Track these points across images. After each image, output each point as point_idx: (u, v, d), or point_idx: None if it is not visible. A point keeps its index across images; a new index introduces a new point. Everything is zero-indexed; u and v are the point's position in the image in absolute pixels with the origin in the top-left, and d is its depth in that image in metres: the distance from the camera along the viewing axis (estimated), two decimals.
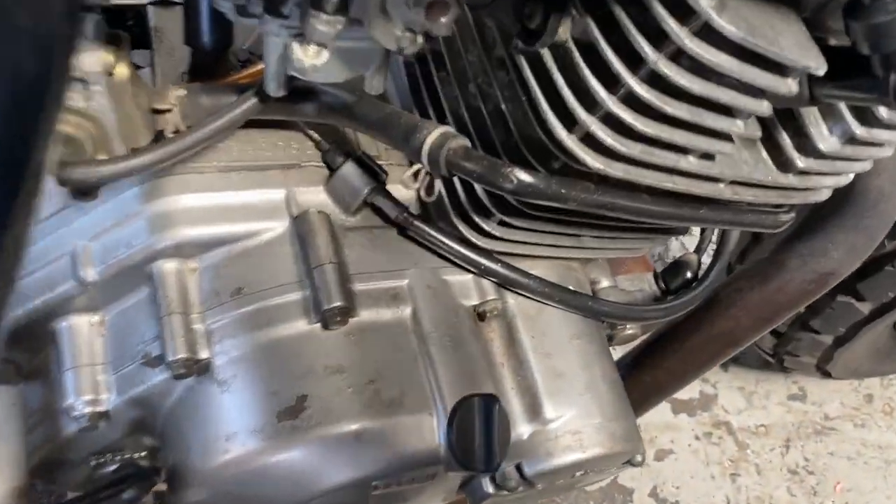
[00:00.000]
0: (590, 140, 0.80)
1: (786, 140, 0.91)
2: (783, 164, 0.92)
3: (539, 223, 0.98)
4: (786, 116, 0.92)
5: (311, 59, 0.75)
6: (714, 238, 1.45)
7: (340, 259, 0.95)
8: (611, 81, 0.75)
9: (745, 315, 1.37)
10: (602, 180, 0.85)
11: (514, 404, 1.01)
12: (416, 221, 1.00)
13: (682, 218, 0.92)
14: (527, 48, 0.83)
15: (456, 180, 0.97)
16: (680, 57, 0.72)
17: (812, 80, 0.80)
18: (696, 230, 1.41)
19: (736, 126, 0.80)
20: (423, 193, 0.94)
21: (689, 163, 0.84)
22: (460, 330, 1.00)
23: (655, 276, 1.35)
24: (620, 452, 1.07)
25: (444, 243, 1.00)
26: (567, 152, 0.82)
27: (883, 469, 2.58)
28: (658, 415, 2.48)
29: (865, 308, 1.84)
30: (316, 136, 1.03)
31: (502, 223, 0.98)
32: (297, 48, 0.75)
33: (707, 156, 0.85)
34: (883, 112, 0.87)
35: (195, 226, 0.95)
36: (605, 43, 0.74)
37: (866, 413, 2.70)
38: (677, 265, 1.34)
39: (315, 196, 1.00)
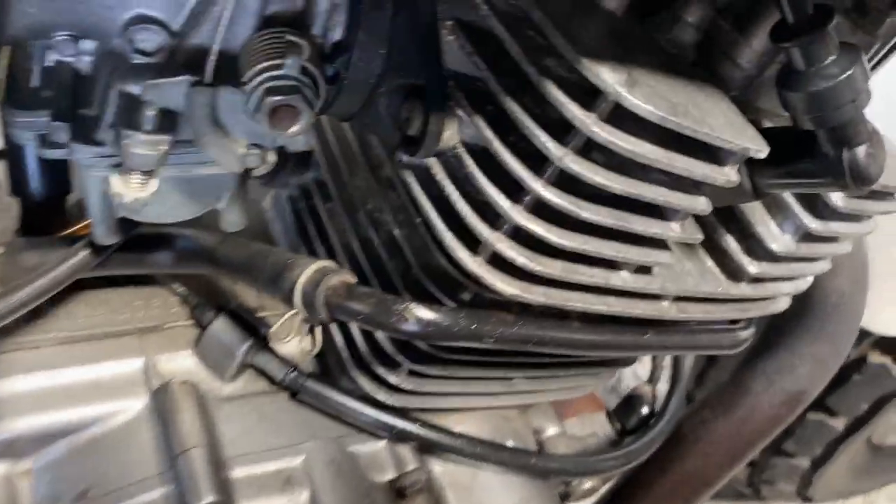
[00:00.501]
0: (499, 261, 0.64)
1: (732, 244, 0.77)
2: (733, 272, 0.79)
3: (458, 368, 0.80)
4: (728, 217, 0.79)
5: (135, 192, 0.59)
6: (667, 363, 1.30)
7: (213, 440, 0.76)
8: (513, 189, 0.61)
9: (714, 450, 1.20)
10: (523, 309, 0.70)
11: None
12: (308, 382, 0.82)
13: (623, 347, 0.76)
14: (411, 161, 0.69)
15: (353, 325, 0.81)
16: (591, 150, 0.58)
17: (753, 168, 0.68)
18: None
19: (671, 230, 0.66)
20: (303, 346, 0.76)
21: (623, 279, 0.69)
22: None
23: (608, 415, 1.18)
24: None
25: (345, 406, 0.82)
26: (474, 279, 0.66)
27: None
28: None
29: (839, 424, 1.69)
30: (182, 290, 0.85)
31: (413, 373, 0.80)
32: (115, 180, 0.59)
33: (643, 269, 0.71)
34: (837, 199, 0.74)
35: (26, 416, 0.76)
36: (501, 143, 0.60)
37: None
38: (631, 400, 1.17)
39: (181, 362, 0.82)
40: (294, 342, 0.80)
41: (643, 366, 1.51)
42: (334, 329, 0.84)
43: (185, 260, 0.78)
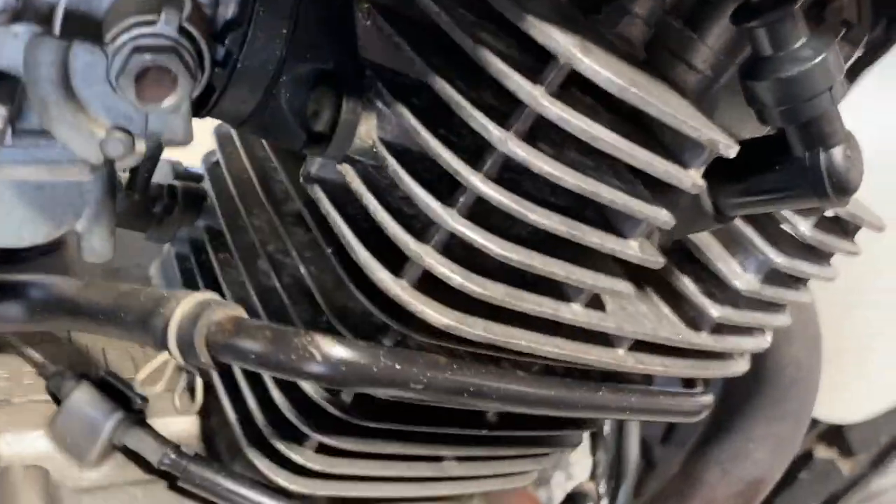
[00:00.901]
0: (429, 284, 0.52)
1: (689, 286, 0.68)
2: (692, 319, 0.69)
3: (377, 442, 0.66)
4: (683, 257, 0.70)
5: None
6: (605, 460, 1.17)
7: None
8: (446, 190, 0.50)
9: None
10: (455, 354, 0.58)
11: None
12: (192, 466, 0.66)
13: (575, 405, 0.64)
14: (322, 174, 0.58)
15: (245, 387, 0.66)
16: (538, 136, 0.49)
17: (714, 188, 0.59)
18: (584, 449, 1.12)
19: (629, 248, 0.55)
20: (176, 403, 0.61)
21: (574, 312, 0.57)
22: None
23: None
24: None
25: (237, 495, 0.66)
26: (399, 310, 0.54)
27: None
28: None
29: None
30: (36, 355, 0.70)
31: (322, 449, 0.66)
32: None
33: (596, 303, 0.60)
34: (804, 228, 0.66)
35: None
36: (429, 132, 0.50)
37: None
38: (574, 498, 1.03)
39: (30, 445, 0.65)
40: (168, 403, 0.64)
41: (581, 466, 1.39)
42: (226, 402, 0.69)
43: (38, 313, 0.63)
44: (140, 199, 0.73)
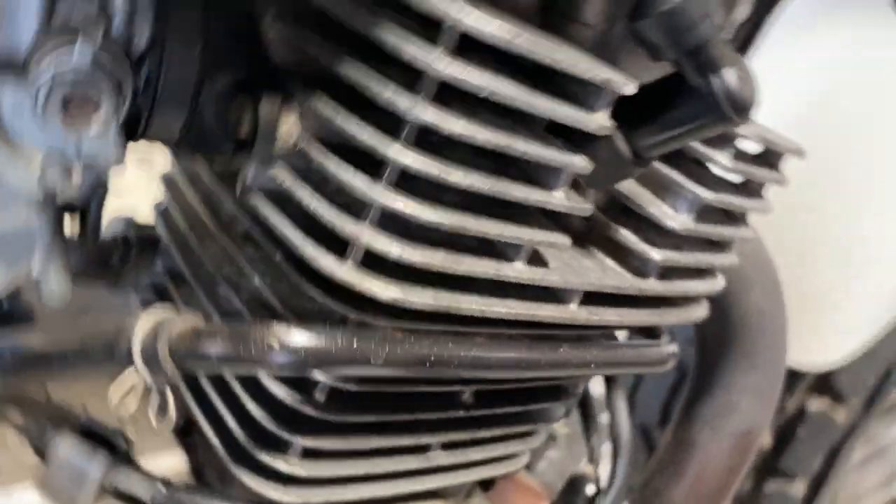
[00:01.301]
0: (372, 261, 0.55)
1: (628, 236, 0.71)
2: (637, 267, 0.72)
3: (359, 437, 0.68)
4: (617, 212, 0.73)
5: None
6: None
7: None
8: (370, 167, 0.53)
9: None
10: (412, 331, 0.60)
11: None
12: (183, 497, 0.67)
13: (537, 364, 0.66)
14: (259, 182, 0.61)
15: (222, 407, 0.68)
16: (447, 99, 0.52)
17: (629, 136, 0.63)
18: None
19: (554, 198, 0.59)
20: (154, 418, 0.62)
21: (517, 270, 0.60)
22: None
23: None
24: None
25: None
26: (349, 294, 0.56)
27: None
28: None
29: (800, 489, 1.58)
30: (16, 416, 0.71)
31: (308, 453, 0.67)
32: None
33: (538, 259, 0.63)
34: (725, 160, 0.70)
35: None
36: (346, 113, 0.53)
37: None
38: (574, 483, 1.05)
39: (19, 500, 0.66)
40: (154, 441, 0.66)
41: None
42: (206, 426, 0.71)
43: (10, 374, 0.65)
44: (94, 250, 0.75)
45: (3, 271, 0.56)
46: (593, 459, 1.10)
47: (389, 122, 0.53)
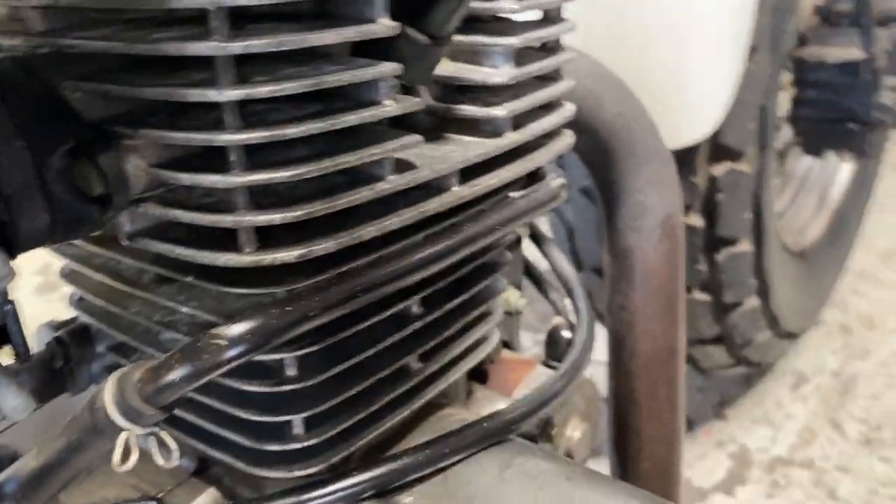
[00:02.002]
0: (266, 239, 0.61)
1: (468, 108, 0.78)
2: (490, 130, 0.78)
3: (345, 385, 0.74)
4: (446, 96, 0.79)
5: None
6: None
7: None
8: (218, 163, 0.59)
9: (650, 319, 1.18)
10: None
11: None
12: None
13: (451, 250, 0.73)
14: (134, 229, 0.65)
15: (217, 430, 0.73)
16: (245, 70, 0.57)
17: (418, 24, 0.69)
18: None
19: (386, 107, 0.65)
20: (159, 461, 0.67)
21: (391, 181, 0.67)
22: None
23: (544, 364, 1.14)
24: None
25: None
26: (263, 276, 0.62)
27: None
28: None
29: (746, 246, 1.71)
30: None
31: (310, 423, 0.73)
32: None
33: (404, 165, 0.69)
34: (508, 4, 0.77)
35: None
36: (169, 131, 0.58)
37: None
38: (552, 336, 1.14)
39: None
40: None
41: None
42: (217, 454, 0.76)
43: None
44: (36, 365, 0.79)
45: None
46: (558, 311, 1.19)
47: (211, 118, 0.58)
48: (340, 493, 0.74)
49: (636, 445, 1.25)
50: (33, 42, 0.62)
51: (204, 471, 0.84)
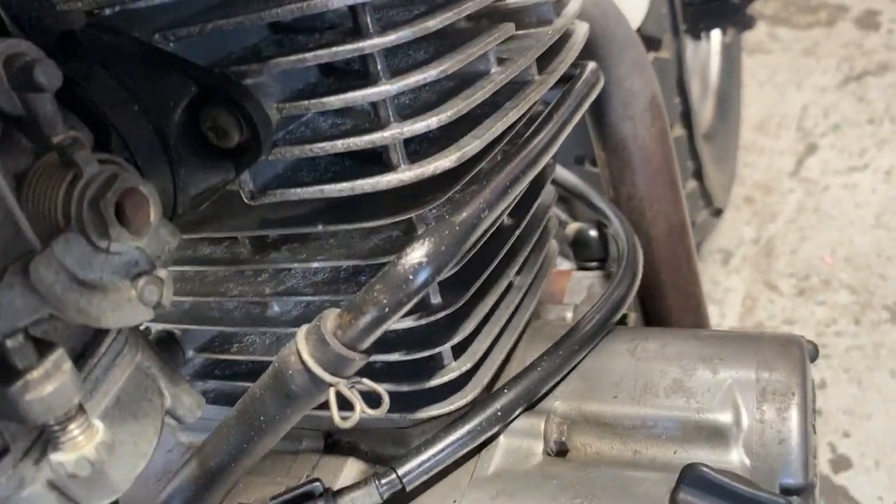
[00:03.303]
0: (411, 144, 0.57)
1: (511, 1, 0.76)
2: (530, 20, 0.77)
3: (476, 303, 0.71)
4: None
5: (84, 447, 0.44)
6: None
7: None
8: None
9: (657, 200, 1.21)
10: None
11: None
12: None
13: (555, 135, 0.72)
14: (264, 181, 0.59)
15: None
16: None
17: None
18: None
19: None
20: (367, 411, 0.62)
21: (498, 72, 0.64)
22: None
23: (579, 268, 1.15)
24: None
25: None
26: (409, 199, 0.58)
27: None
28: None
29: (679, 132, 1.79)
30: None
31: (457, 349, 0.70)
32: (56, 457, 0.44)
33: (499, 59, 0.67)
34: None
35: None
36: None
37: None
38: (578, 239, 1.15)
39: None
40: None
41: None
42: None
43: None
44: None
45: (148, 419, 0.52)
46: (574, 218, 1.20)
47: (338, 32, 0.53)
48: (497, 416, 0.72)
49: (667, 322, 1.28)
50: (98, 2, 0.55)
51: (334, 447, 0.79)
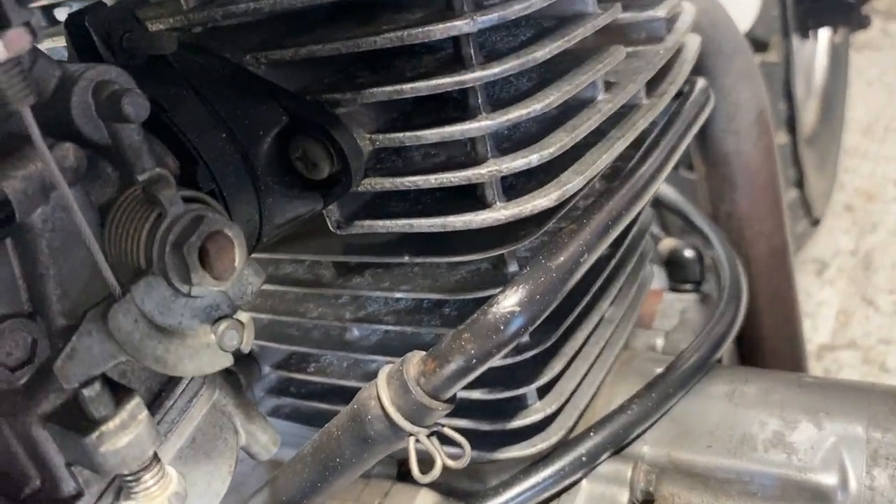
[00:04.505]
0: (507, 187, 0.53)
1: (623, 16, 0.71)
2: (638, 36, 0.72)
3: (564, 344, 0.67)
4: None
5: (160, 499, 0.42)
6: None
7: None
8: (460, 108, 0.50)
9: (758, 221, 1.14)
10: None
11: None
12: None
13: (663, 163, 0.66)
14: (349, 211, 0.57)
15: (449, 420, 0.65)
16: None
17: None
18: None
19: (598, 17, 0.57)
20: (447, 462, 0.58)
21: (605, 100, 0.59)
22: None
23: (672, 290, 1.09)
24: None
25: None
26: (497, 235, 0.54)
27: None
28: None
29: (782, 138, 1.69)
30: None
31: (542, 390, 0.66)
32: None
33: (606, 83, 0.62)
34: None
35: None
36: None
37: None
38: (672, 260, 1.09)
39: None
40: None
41: None
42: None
43: None
44: None
45: (223, 456, 0.51)
46: (668, 232, 1.15)
47: (436, 62, 0.50)
48: (582, 460, 0.68)
49: (761, 350, 1.21)
50: (190, 20, 0.52)
51: (407, 475, 0.76)
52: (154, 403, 0.45)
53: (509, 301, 0.51)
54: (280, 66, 0.52)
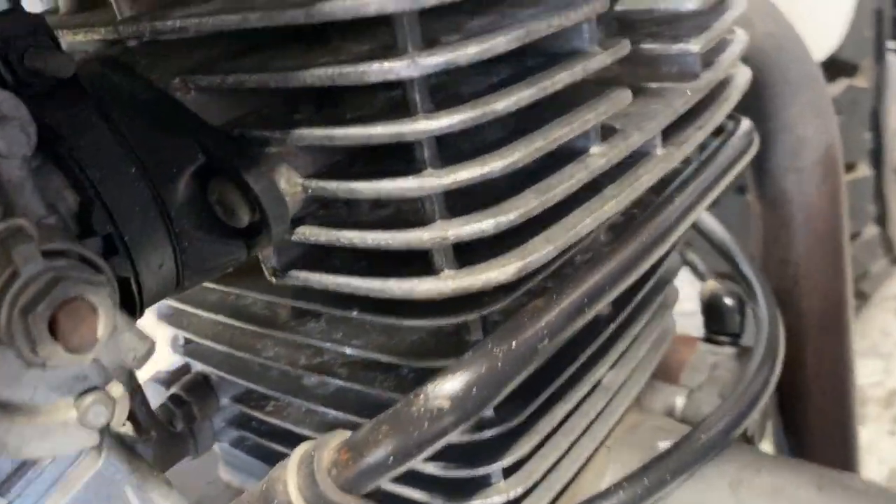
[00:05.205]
0: (462, 254, 0.45)
1: (657, 47, 0.61)
2: (670, 71, 0.61)
3: (542, 419, 0.59)
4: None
5: None
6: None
7: None
8: (407, 159, 0.43)
9: (815, 267, 1.02)
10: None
11: None
12: None
13: (671, 227, 0.57)
14: (285, 261, 0.50)
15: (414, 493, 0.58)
16: None
17: None
18: None
19: (594, 58, 0.48)
20: None
21: (599, 150, 0.51)
22: None
23: (707, 340, 0.98)
24: None
25: None
26: (450, 303, 0.46)
27: None
28: None
29: (864, 170, 1.53)
30: None
31: (508, 470, 0.58)
32: None
33: (609, 131, 0.53)
34: None
35: None
36: (350, 127, 0.42)
37: None
38: (710, 307, 0.98)
39: None
40: None
41: None
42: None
43: None
44: (158, 432, 0.65)
45: None
46: (702, 278, 1.04)
47: (382, 103, 0.42)
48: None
49: (804, 414, 1.10)
50: (121, 32, 0.46)
51: None
52: (3, 485, 0.39)
53: (439, 392, 0.43)
54: (209, 93, 0.45)
